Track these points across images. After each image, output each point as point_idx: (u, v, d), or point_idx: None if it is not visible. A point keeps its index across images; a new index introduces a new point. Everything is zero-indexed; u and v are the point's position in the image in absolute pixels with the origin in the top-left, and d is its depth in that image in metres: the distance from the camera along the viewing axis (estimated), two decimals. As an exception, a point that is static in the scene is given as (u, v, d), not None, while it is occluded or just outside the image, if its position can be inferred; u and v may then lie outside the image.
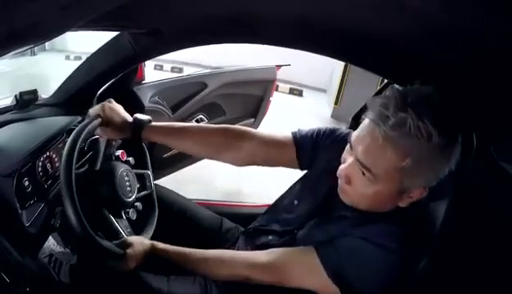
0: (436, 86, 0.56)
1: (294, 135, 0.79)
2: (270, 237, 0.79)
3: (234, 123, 1.40)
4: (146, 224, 0.86)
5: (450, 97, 0.55)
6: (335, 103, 4.37)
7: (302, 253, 0.67)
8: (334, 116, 4.38)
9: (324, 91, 5.53)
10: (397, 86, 0.64)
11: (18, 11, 0.34)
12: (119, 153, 0.90)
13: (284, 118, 3.35)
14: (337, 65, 4.39)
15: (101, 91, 1.08)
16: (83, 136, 0.66)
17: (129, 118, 0.79)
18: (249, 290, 0.72)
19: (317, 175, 0.77)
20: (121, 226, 0.77)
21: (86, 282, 0.77)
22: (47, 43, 5.99)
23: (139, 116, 0.80)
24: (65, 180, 0.61)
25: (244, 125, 1.14)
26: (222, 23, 0.77)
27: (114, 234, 0.75)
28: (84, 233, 0.61)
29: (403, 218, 0.62)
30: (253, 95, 1.74)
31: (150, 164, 0.95)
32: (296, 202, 0.79)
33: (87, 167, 0.82)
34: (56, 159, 0.80)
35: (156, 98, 1.39)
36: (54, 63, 5.99)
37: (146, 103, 1.30)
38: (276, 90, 3.85)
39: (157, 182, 1.08)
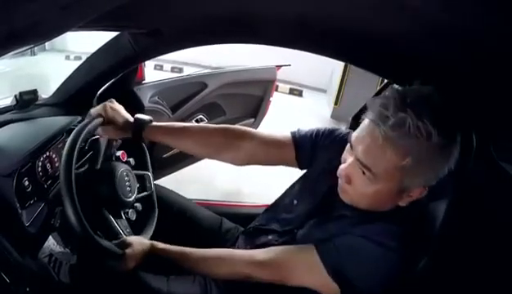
0: (436, 86, 0.56)
1: (294, 135, 0.79)
2: (270, 236, 0.79)
3: (234, 123, 1.40)
4: (146, 225, 0.86)
5: (450, 97, 0.55)
6: (335, 103, 4.37)
7: (302, 251, 0.67)
8: (334, 116, 4.38)
9: (324, 91, 5.53)
10: (396, 86, 0.64)
11: (18, 11, 0.34)
12: (119, 153, 0.90)
13: (284, 118, 3.34)
14: (337, 65, 4.39)
15: (100, 91, 1.08)
16: (83, 136, 0.66)
17: (130, 118, 0.79)
18: (248, 289, 0.72)
19: (317, 175, 0.77)
20: (120, 226, 0.78)
21: (86, 282, 0.77)
22: (47, 43, 5.98)
23: (140, 116, 0.80)
24: (65, 180, 0.61)
25: (244, 125, 1.14)
26: (222, 23, 0.77)
27: (114, 234, 0.75)
28: (84, 233, 0.61)
29: (403, 217, 0.63)
30: (253, 95, 1.73)
31: (150, 165, 0.95)
32: (296, 201, 0.79)
33: (87, 166, 0.82)
34: (55, 159, 0.80)
35: (156, 98, 1.39)
36: (54, 63, 5.98)
37: (146, 103, 1.30)
38: (276, 90, 3.84)
39: (157, 182, 1.08)
